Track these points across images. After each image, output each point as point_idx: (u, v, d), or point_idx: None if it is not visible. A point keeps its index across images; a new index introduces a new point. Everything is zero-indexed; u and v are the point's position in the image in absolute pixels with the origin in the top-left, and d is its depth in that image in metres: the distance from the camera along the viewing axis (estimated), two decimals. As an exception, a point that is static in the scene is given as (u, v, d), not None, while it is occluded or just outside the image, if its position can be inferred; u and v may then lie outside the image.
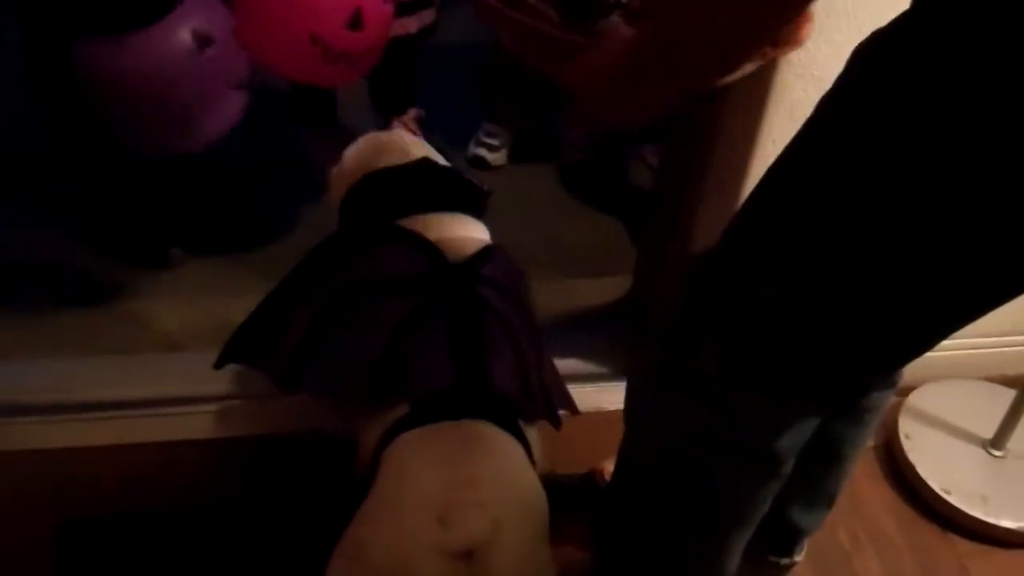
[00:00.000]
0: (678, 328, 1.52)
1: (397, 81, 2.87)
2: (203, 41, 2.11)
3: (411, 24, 2.65)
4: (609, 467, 2.00)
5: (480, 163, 3.08)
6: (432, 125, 2.93)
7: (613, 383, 2.35)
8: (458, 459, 1.53)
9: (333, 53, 1.97)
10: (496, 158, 3.10)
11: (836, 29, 1.82)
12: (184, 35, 2.12)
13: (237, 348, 1.92)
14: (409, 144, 2.02)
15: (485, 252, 1.83)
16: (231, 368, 1.95)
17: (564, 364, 2.33)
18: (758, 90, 1.94)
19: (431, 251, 1.78)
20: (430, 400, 1.62)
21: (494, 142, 3.10)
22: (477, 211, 1.98)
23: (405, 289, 1.74)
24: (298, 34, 1.93)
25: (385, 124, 2.85)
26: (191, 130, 2.23)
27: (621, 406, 2.25)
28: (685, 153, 2.19)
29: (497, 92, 3.12)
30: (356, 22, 1.98)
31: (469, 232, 1.90)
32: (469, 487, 1.47)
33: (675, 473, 1.54)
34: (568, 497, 2.01)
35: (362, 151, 2.02)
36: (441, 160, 2.02)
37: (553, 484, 1.64)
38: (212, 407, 2.22)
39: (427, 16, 2.68)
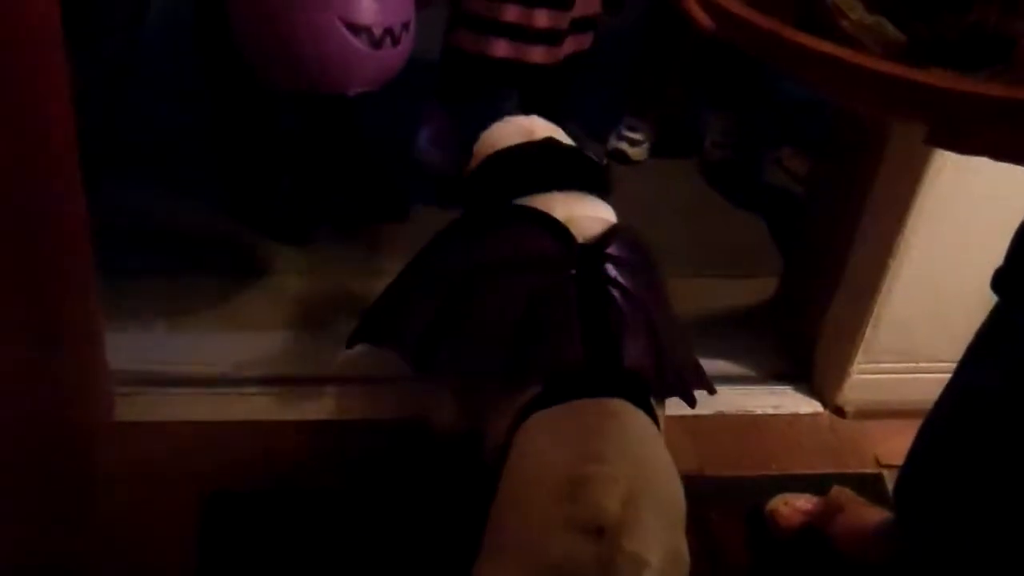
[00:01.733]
0: None
1: (556, 97, 2.82)
2: None
3: (586, 41, 2.65)
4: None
5: (621, 157, 3.05)
6: (573, 117, 2.91)
7: (758, 386, 2.32)
8: (589, 435, 1.50)
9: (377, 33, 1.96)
10: (637, 152, 3.07)
11: None
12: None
13: (368, 329, 1.93)
14: (535, 125, 2.00)
15: (612, 231, 1.79)
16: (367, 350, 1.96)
17: (708, 365, 2.30)
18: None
19: (560, 230, 1.76)
20: (563, 378, 1.60)
21: (636, 136, 3.07)
22: (602, 190, 1.94)
23: (535, 269, 1.72)
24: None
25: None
26: (303, 66, 2.04)
27: (768, 410, 2.25)
28: (851, 159, 2.14)
29: (641, 86, 3.08)
30: None
31: (594, 212, 1.87)
32: (600, 461, 1.43)
33: None
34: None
35: (491, 132, 2.01)
36: (567, 140, 1.99)
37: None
38: (355, 388, 2.22)
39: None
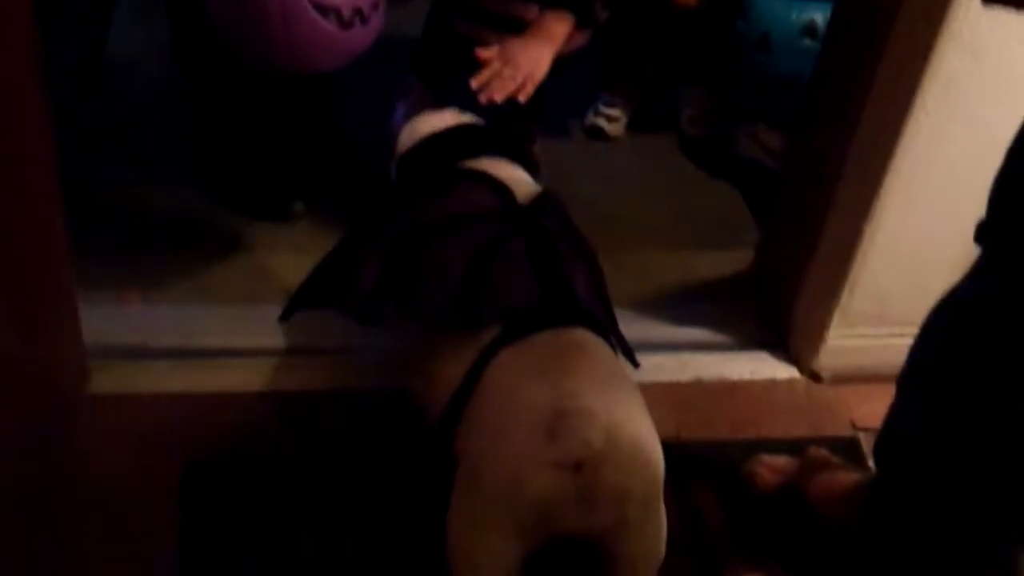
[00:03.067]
0: None
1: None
2: None
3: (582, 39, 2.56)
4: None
5: (598, 133, 3.06)
6: (549, 94, 2.91)
7: (736, 353, 2.34)
8: (560, 368, 1.51)
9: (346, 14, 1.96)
10: (614, 129, 3.07)
11: None
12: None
13: (306, 296, 1.91)
14: (456, 116, 2.10)
15: (546, 193, 1.87)
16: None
17: (689, 332, 2.35)
18: (912, 61, 1.89)
19: (501, 188, 1.81)
20: (521, 316, 1.61)
21: (612, 112, 3.07)
22: (528, 165, 2.02)
23: (481, 223, 1.75)
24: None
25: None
26: (274, 47, 2.02)
27: (744, 376, 2.26)
28: (827, 125, 2.15)
29: (617, 62, 3.08)
30: None
31: (526, 178, 1.94)
32: (575, 396, 1.45)
33: None
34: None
35: (415, 123, 2.10)
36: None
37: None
38: (330, 358, 2.22)
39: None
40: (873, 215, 2.04)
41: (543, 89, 2.44)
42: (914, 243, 2.07)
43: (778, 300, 2.34)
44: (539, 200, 1.84)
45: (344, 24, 1.97)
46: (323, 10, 1.94)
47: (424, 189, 1.89)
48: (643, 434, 1.49)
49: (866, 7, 2.01)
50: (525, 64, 2.22)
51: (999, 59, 1.88)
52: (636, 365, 1.89)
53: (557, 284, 1.67)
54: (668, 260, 2.59)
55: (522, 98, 2.21)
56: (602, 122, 3.06)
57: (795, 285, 2.26)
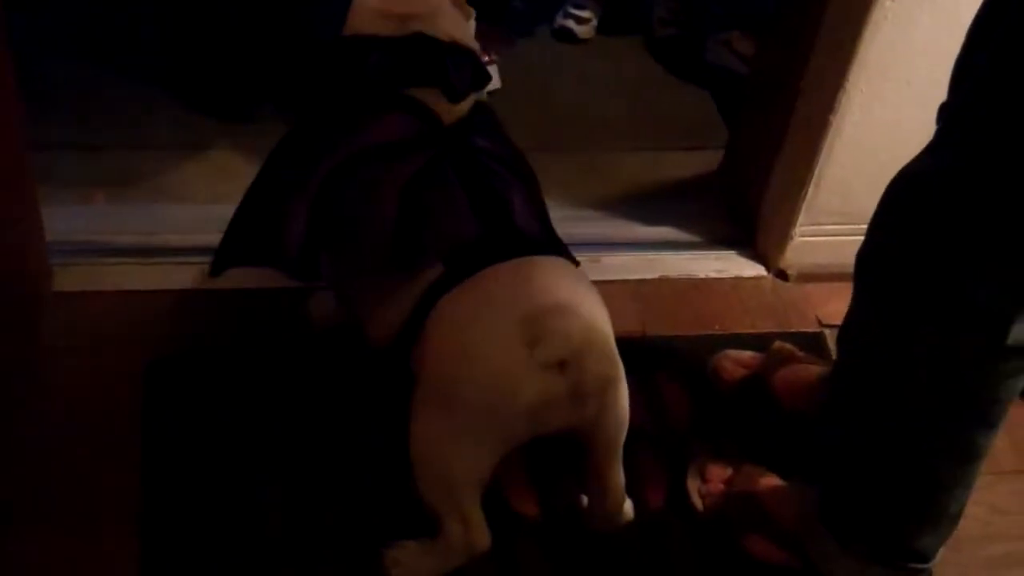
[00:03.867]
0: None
1: None
2: None
3: None
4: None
5: (567, 35, 3.01)
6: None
7: (703, 252, 2.33)
8: (522, 285, 1.52)
9: None
10: (584, 31, 3.03)
11: None
12: None
13: (233, 250, 1.78)
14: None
15: (474, 108, 1.75)
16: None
17: (656, 231, 2.34)
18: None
19: (423, 112, 1.68)
20: (462, 252, 1.59)
21: (582, 14, 3.02)
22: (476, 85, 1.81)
23: (404, 153, 1.65)
24: None
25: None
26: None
27: (711, 274, 2.26)
28: (793, 18, 2.13)
29: (586, -39, 3.04)
30: None
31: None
32: (545, 294, 1.48)
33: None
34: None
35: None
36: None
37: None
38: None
39: None
40: (838, 107, 2.02)
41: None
42: (880, 136, 2.05)
43: (745, 198, 2.33)
44: (466, 119, 1.72)
45: None
46: None
47: (346, 114, 1.72)
48: (607, 322, 1.54)
49: None
50: None
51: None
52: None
53: (494, 211, 1.63)
54: (636, 160, 2.58)
55: None
56: (571, 23, 3.02)
57: (762, 182, 2.25)
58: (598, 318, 1.52)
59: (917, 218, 1.39)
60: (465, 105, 1.74)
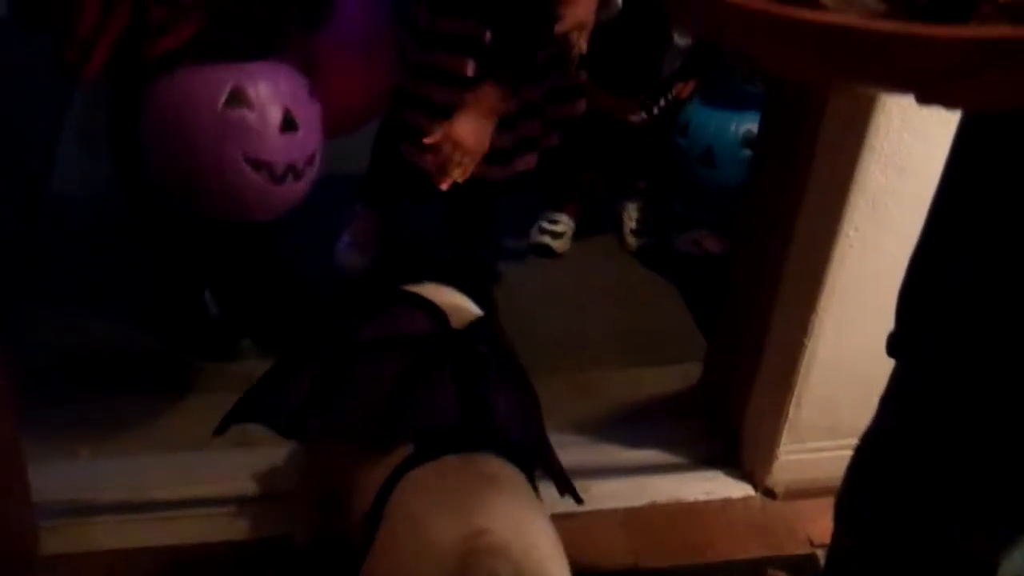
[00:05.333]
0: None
1: (485, 213, 2.84)
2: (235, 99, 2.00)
3: (532, 160, 2.56)
4: None
5: (545, 251, 3.07)
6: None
7: (690, 473, 2.32)
8: (469, 502, 1.52)
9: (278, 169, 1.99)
10: (560, 244, 3.09)
11: (919, 118, 1.80)
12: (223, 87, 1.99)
13: (239, 410, 1.89)
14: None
15: (482, 319, 1.89)
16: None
17: (643, 455, 2.34)
18: (838, 178, 1.92)
19: (436, 312, 1.82)
20: (434, 436, 1.62)
21: (556, 229, 3.09)
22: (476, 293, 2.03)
23: (411, 345, 1.77)
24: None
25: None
26: (207, 197, 2.06)
27: (699, 496, 2.25)
28: (761, 242, 2.17)
29: (555, 178, 3.10)
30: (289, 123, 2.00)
31: (467, 305, 1.95)
32: (484, 534, 1.45)
33: None
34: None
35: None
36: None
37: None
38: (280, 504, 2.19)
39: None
40: (812, 330, 2.05)
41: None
42: (854, 355, 2.07)
43: (727, 416, 2.34)
44: (473, 325, 1.85)
45: (276, 179, 2.00)
46: (256, 165, 1.97)
47: (364, 311, 1.91)
48: (553, 569, 1.49)
49: (791, 123, 2.04)
50: (471, 144, 2.25)
51: (924, 175, 1.88)
52: (579, 501, 1.88)
53: (478, 407, 1.67)
54: (615, 377, 2.60)
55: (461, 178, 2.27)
56: (547, 239, 3.08)
57: (742, 401, 2.27)
58: (541, 561, 1.47)
59: (877, 479, 1.40)
60: (472, 313, 1.88)
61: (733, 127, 2.78)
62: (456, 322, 1.84)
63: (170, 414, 2.44)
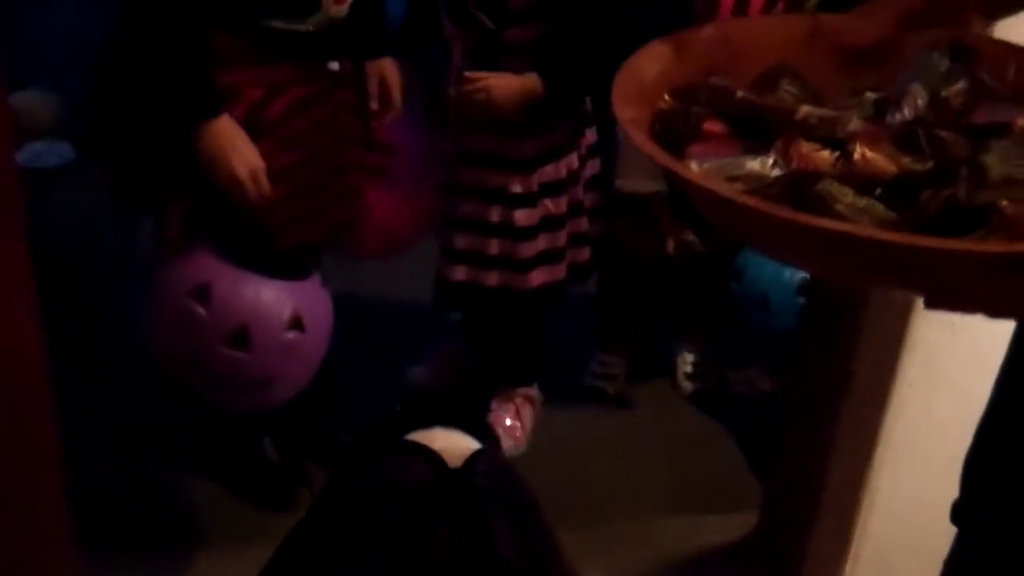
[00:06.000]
0: None
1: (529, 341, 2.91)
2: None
3: (560, 271, 2.60)
4: None
5: (599, 395, 3.06)
6: (547, 354, 2.97)
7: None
8: None
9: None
10: (612, 387, 3.08)
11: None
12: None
13: None
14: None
15: (478, 452, 1.84)
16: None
17: None
18: (891, 334, 1.94)
19: (432, 457, 1.79)
20: (436, 573, 1.60)
21: (610, 372, 3.09)
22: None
23: (407, 493, 1.74)
24: None
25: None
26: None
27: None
28: (816, 393, 2.18)
29: (608, 321, 3.12)
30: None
31: (461, 441, 1.94)
32: None
33: None
34: None
35: None
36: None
37: None
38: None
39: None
40: (868, 485, 2.05)
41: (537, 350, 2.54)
42: (911, 512, 2.06)
43: (783, 569, 2.32)
44: (469, 461, 1.82)
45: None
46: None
47: (358, 466, 1.89)
48: None
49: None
50: (500, 90, 2.40)
51: (975, 330, 1.91)
52: None
53: (481, 542, 1.65)
54: (670, 526, 2.58)
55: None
56: (601, 383, 3.07)
57: (799, 556, 2.25)
58: None
59: None
60: (470, 450, 1.82)
61: (788, 274, 2.79)
62: (454, 462, 1.82)
63: (228, 567, 2.44)
